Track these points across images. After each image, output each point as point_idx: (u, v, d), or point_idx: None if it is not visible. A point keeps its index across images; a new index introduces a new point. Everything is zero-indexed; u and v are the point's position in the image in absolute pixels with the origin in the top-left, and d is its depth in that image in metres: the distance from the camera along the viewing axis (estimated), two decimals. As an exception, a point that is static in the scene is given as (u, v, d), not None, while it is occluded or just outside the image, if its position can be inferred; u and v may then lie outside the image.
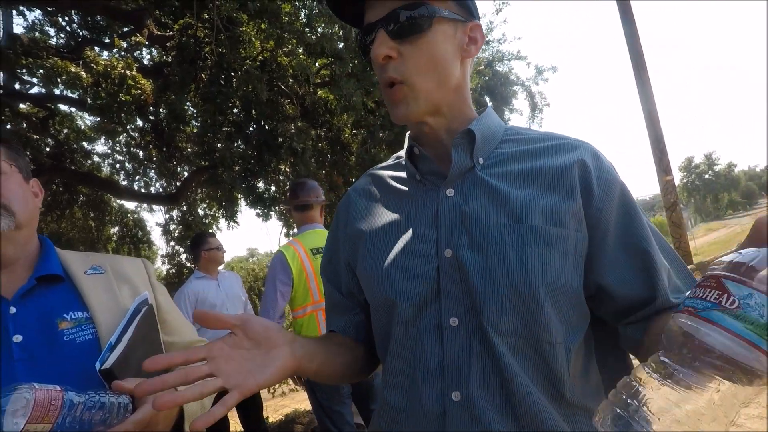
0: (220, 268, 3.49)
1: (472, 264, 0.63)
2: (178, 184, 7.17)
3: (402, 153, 0.79)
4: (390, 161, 0.83)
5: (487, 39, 6.94)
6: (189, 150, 6.71)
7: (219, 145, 4.98)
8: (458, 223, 0.66)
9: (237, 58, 4.28)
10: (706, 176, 48.48)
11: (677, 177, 47.20)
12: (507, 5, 6.69)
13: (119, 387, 0.71)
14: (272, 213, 5.80)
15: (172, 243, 8.20)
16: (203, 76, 4.36)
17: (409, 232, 0.69)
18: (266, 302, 2.41)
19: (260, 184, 5.27)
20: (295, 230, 6.01)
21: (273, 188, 5.96)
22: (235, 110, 4.72)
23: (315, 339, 0.72)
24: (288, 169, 5.14)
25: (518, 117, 7.32)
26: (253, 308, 4.03)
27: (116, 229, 8.78)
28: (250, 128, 5.02)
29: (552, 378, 0.62)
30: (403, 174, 0.76)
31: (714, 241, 13.07)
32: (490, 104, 4.95)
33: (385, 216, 0.74)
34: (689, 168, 49.12)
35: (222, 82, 4.23)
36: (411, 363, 0.66)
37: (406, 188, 0.74)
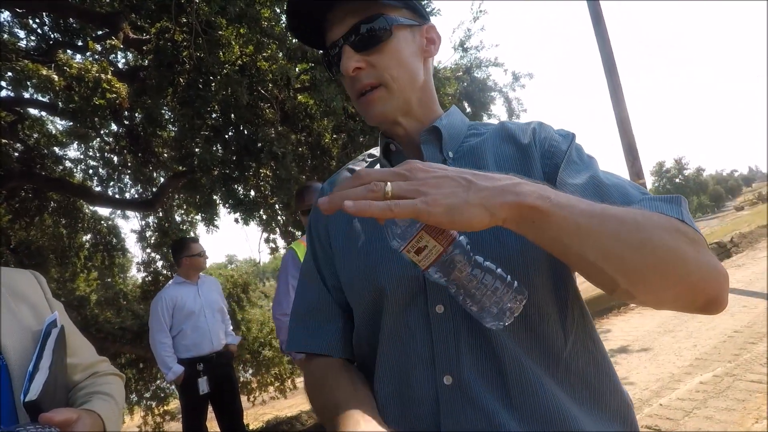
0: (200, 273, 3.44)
1: None
2: (154, 189, 7.01)
3: (374, 151, 0.82)
4: (363, 158, 0.85)
5: (465, 46, 7.04)
6: (166, 155, 6.58)
7: (197, 149, 4.90)
8: None
9: (216, 62, 4.23)
10: (677, 180, 50.08)
11: (650, 181, 48.59)
12: (484, 13, 6.80)
13: (49, 420, 0.68)
14: (252, 218, 5.74)
15: (149, 250, 8.00)
16: (181, 80, 4.30)
17: None
18: (279, 296, 2.51)
19: (240, 189, 5.21)
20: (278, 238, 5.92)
21: (253, 193, 5.90)
22: (214, 114, 4.65)
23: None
24: (269, 174, 5.09)
25: (496, 122, 7.44)
26: (231, 316, 3.97)
27: (89, 236, 8.52)
28: (229, 132, 4.96)
29: (546, 348, 0.64)
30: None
31: (685, 242, 13.46)
32: (468, 110, 5.02)
33: None
34: (660, 172, 50.67)
35: (200, 86, 4.17)
36: (401, 354, 0.68)
37: None
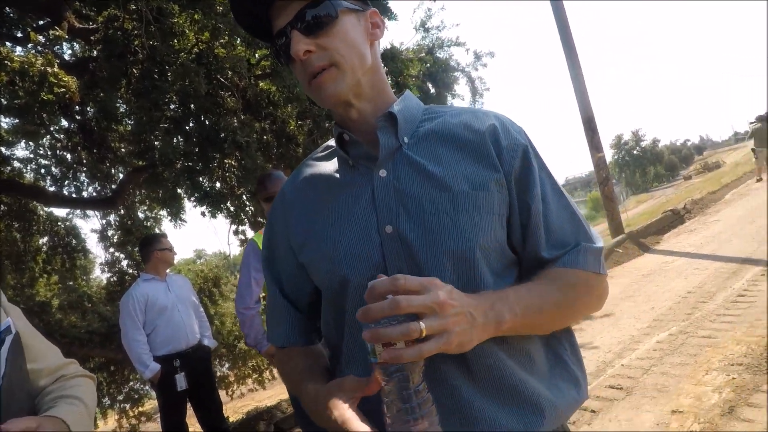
0: (167, 270, 3.38)
1: (413, 235, 0.69)
2: (113, 186, 6.74)
3: (331, 142, 0.84)
4: (320, 151, 0.87)
5: (426, 26, 7.04)
6: (123, 149, 6.32)
7: (157, 142, 4.73)
8: (394, 200, 0.72)
9: (170, 50, 4.08)
10: (635, 152, 51.95)
11: (609, 154, 50.31)
12: (443, -7, 6.81)
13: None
14: (220, 211, 5.63)
15: (112, 249, 7.73)
16: (135, 71, 4.12)
17: (350, 215, 0.74)
18: (241, 289, 2.46)
19: (205, 181, 5.08)
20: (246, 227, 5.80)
21: (218, 184, 5.77)
22: (173, 105, 4.50)
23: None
24: (234, 164, 4.98)
25: (460, 101, 7.50)
26: (205, 309, 3.92)
27: (46, 239, 8.14)
28: (190, 123, 4.81)
29: None
30: (335, 161, 0.81)
31: (643, 212, 14.17)
32: (432, 90, 5.03)
33: (324, 203, 0.78)
34: (619, 145, 52.43)
35: (156, 76, 4.01)
36: None
37: (341, 174, 0.79)
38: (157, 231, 8.01)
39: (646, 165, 50.84)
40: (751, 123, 12.47)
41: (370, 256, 0.71)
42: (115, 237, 7.64)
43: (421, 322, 0.56)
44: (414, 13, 7.02)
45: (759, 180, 11.72)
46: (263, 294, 2.62)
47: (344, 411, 0.60)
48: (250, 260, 2.48)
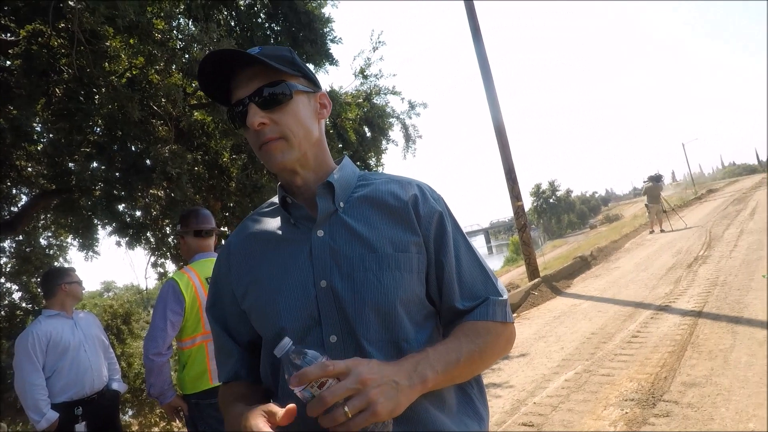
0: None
1: (343, 290, 0.79)
2: (13, 209, 6.09)
3: (275, 200, 0.94)
4: (265, 207, 0.96)
5: (365, 73, 7.40)
6: (30, 169, 5.79)
7: (72, 165, 4.41)
8: (329, 258, 0.81)
9: (101, 73, 3.92)
10: (551, 200, 56.42)
11: (529, 201, 54.35)
12: (383, 44, 7.24)
13: None
14: (139, 242, 5.30)
15: (2, 279, 6.86)
16: (57, 91, 3.89)
17: (289, 269, 0.83)
18: (154, 332, 2.26)
19: (126, 211, 4.79)
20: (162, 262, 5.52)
21: (138, 213, 5.45)
22: (97, 129, 4.27)
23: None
24: (161, 194, 4.76)
25: (394, 147, 7.86)
26: (113, 348, 3.60)
27: None
28: (114, 149, 4.57)
29: None
30: (279, 219, 0.90)
31: (558, 255, 15.39)
32: (369, 134, 5.23)
33: (266, 256, 0.86)
34: (538, 193, 56.75)
35: (82, 98, 3.82)
36: None
37: (283, 231, 0.88)
38: (62, 260, 7.27)
39: (561, 213, 55.40)
40: (644, 182, 14.27)
41: (306, 307, 0.79)
42: (8, 266, 6.81)
43: (345, 407, 0.63)
44: (354, 60, 7.37)
45: (651, 232, 13.31)
46: (178, 341, 2.45)
47: (259, 422, 0.65)
48: (168, 301, 2.29)
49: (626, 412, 2.89)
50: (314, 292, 0.80)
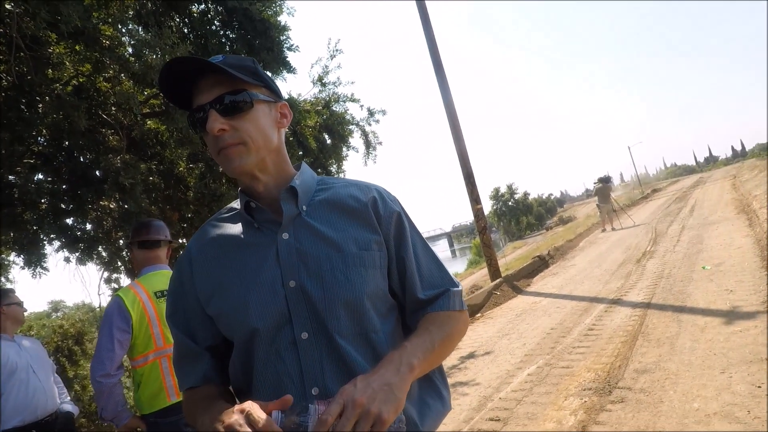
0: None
1: (313, 288, 0.82)
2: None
3: (234, 205, 0.95)
4: (224, 213, 0.97)
5: (323, 81, 7.40)
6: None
7: (12, 177, 4.16)
8: (296, 259, 0.84)
9: (44, 80, 3.73)
10: (510, 203, 58.04)
11: (489, 204, 55.68)
12: (340, 52, 7.27)
13: None
14: (90, 258, 5.03)
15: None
16: (-5, 99, 3.66)
17: (258, 271, 0.84)
18: (101, 353, 2.14)
19: (75, 224, 4.54)
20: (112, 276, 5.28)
21: (89, 226, 5.18)
22: (41, 139, 4.05)
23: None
24: (113, 206, 4.56)
25: (355, 153, 7.89)
26: (61, 374, 3.40)
27: None
28: (60, 160, 4.34)
29: (380, 356, 0.83)
30: (240, 224, 0.91)
31: (519, 256, 15.87)
32: (329, 141, 5.24)
33: (231, 260, 0.87)
34: (497, 196, 58.23)
35: (23, 107, 3.62)
36: (273, 374, 0.81)
37: (245, 235, 0.89)
38: (3, 279, 6.79)
39: (519, 215, 57.09)
40: (595, 183, 15.02)
41: (277, 307, 0.82)
42: (-58, 288, 6.30)
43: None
44: (312, 68, 7.36)
45: (603, 230, 13.99)
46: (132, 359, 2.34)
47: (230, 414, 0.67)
48: (113, 319, 2.18)
49: (585, 401, 3.02)
50: (284, 292, 0.82)
